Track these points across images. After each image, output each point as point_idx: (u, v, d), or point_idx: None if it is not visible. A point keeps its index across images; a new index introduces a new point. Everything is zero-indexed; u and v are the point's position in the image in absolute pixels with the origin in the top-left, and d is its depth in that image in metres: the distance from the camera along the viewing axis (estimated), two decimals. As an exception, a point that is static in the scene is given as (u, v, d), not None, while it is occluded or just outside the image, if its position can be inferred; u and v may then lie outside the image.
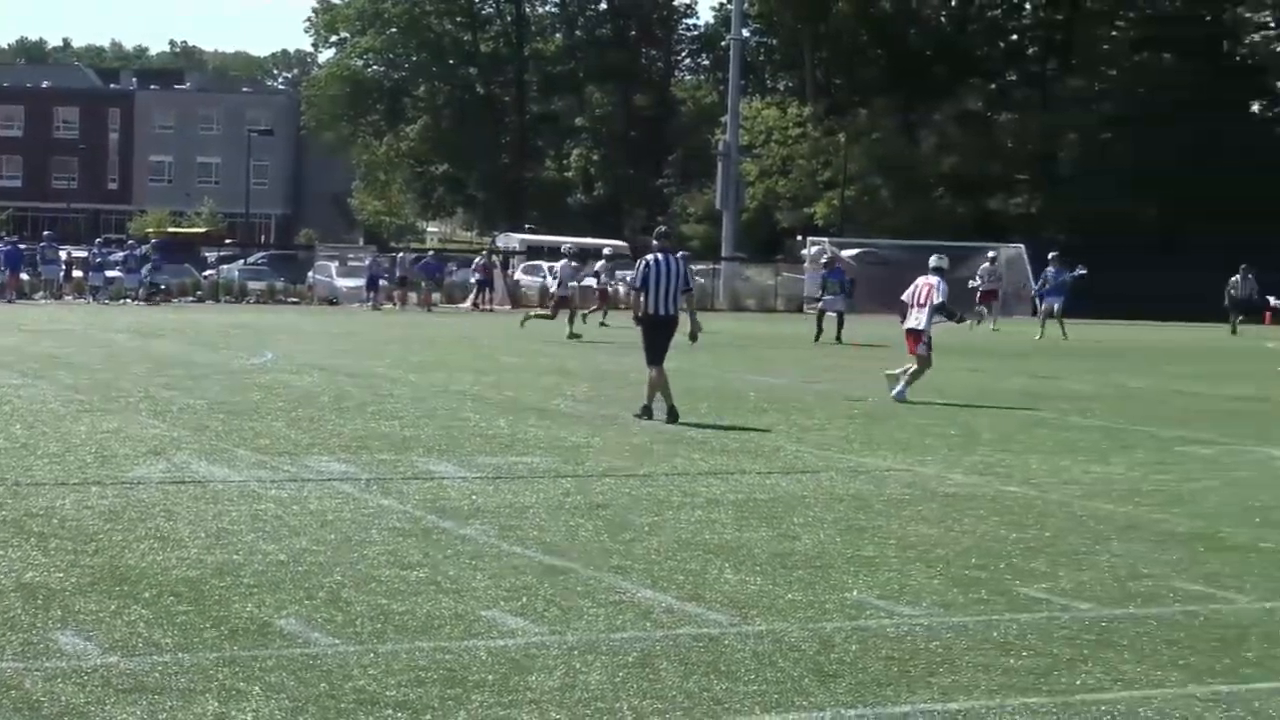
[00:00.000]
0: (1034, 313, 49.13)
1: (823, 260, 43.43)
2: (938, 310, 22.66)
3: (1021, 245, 66.64)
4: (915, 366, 22.69)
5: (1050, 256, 44.56)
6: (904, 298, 23.19)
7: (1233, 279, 49.84)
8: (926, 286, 22.77)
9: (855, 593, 9.61)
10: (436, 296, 57.92)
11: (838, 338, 37.75)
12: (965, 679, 7.75)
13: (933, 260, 23.52)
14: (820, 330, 38.47)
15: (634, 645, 8.18)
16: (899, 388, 22.46)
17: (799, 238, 73.22)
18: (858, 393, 23.78)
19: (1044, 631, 8.76)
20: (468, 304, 58.89)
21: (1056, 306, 43.25)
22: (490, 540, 10.92)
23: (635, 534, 11.33)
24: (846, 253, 64.24)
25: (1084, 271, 43.93)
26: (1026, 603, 9.49)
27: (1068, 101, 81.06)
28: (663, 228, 21.10)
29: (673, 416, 18.79)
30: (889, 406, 21.72)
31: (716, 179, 70.21)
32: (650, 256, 19.39)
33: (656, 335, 19.27)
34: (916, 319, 22.71)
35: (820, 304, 39.79)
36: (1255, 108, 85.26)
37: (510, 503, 12.54)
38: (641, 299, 19.29)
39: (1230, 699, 7.57)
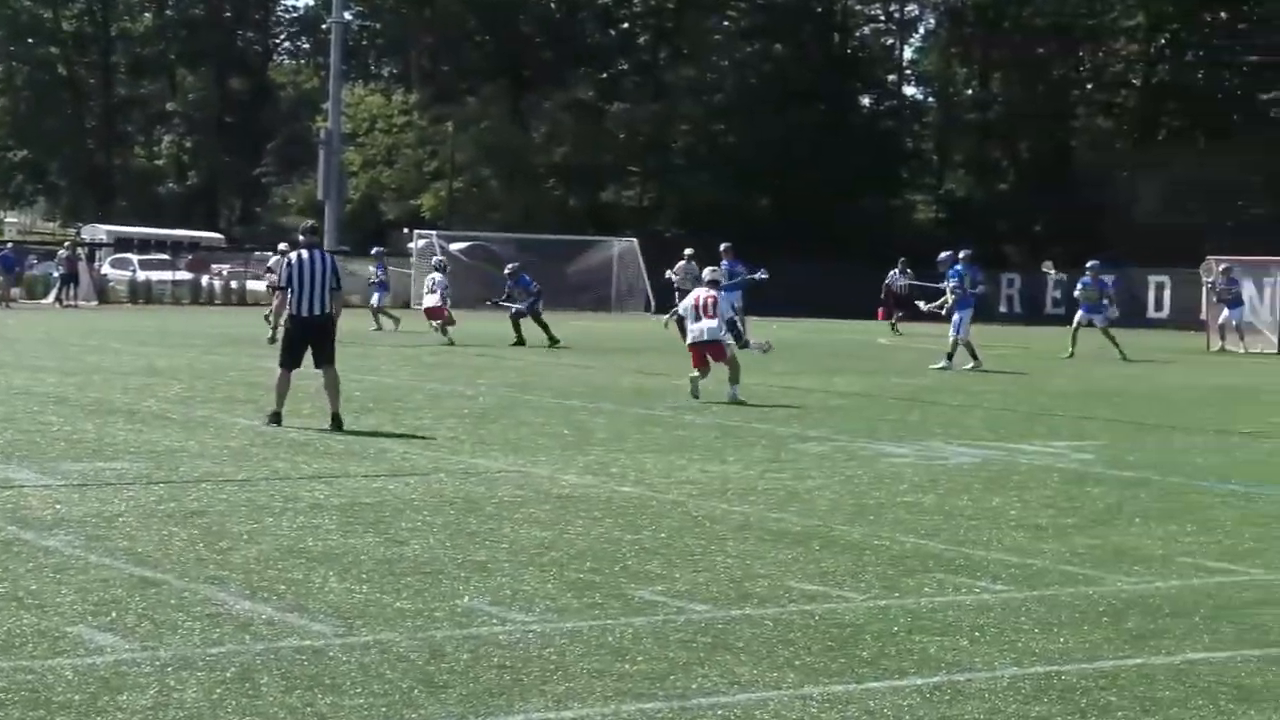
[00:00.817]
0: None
1: (508, 269, 42.85)
2: (728, 324, 24.12)
3: (634, 239, 67.64)
4: (728, 369, 23.71)
5: (723, 248, 44.26)
6: (681, 311, 25.04)
7: (891, 273, 50.23)
8: (710, 298, 24.14)
9: (466, 599, 9.61)
10: (16, 292, 56.23)
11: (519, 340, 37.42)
12: (580, 686, 7.81)
13: (707, 274, 25.42)
14: (520, 335, 37.75)
15: (232, 659, 8.04)
16: (729, 390, 23.40)
17: (405, 231, 73.00)
18: (469, 391, 23.87)
19: (660, 635, 8.88)
20: (51, 300, 57.32)
21: (736, 304, 43.29)
22: (76, 552, 10.63)
23: (233, 542, 11.15)
24: (454, 246, 64.35)
25: (765, 275, 44.20)
26: (642, 606, 9.61)
27: (680, 92, 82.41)
28: (310, 223, 20.75)
29: (336, 423, 18.35)
30: (500, 406, 21.84)
31: (318, 168, 69.55)
32: (294, 254, 19.02)
33: (302, 337, 18.84)
34: (710, 329, 23.92)
35: (514, 308, 39.44)
36: (866, 100, 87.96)
37: (98, 511, 12.23)
38: (288, 298, 18.88)
39: (845, 699, 7.77)
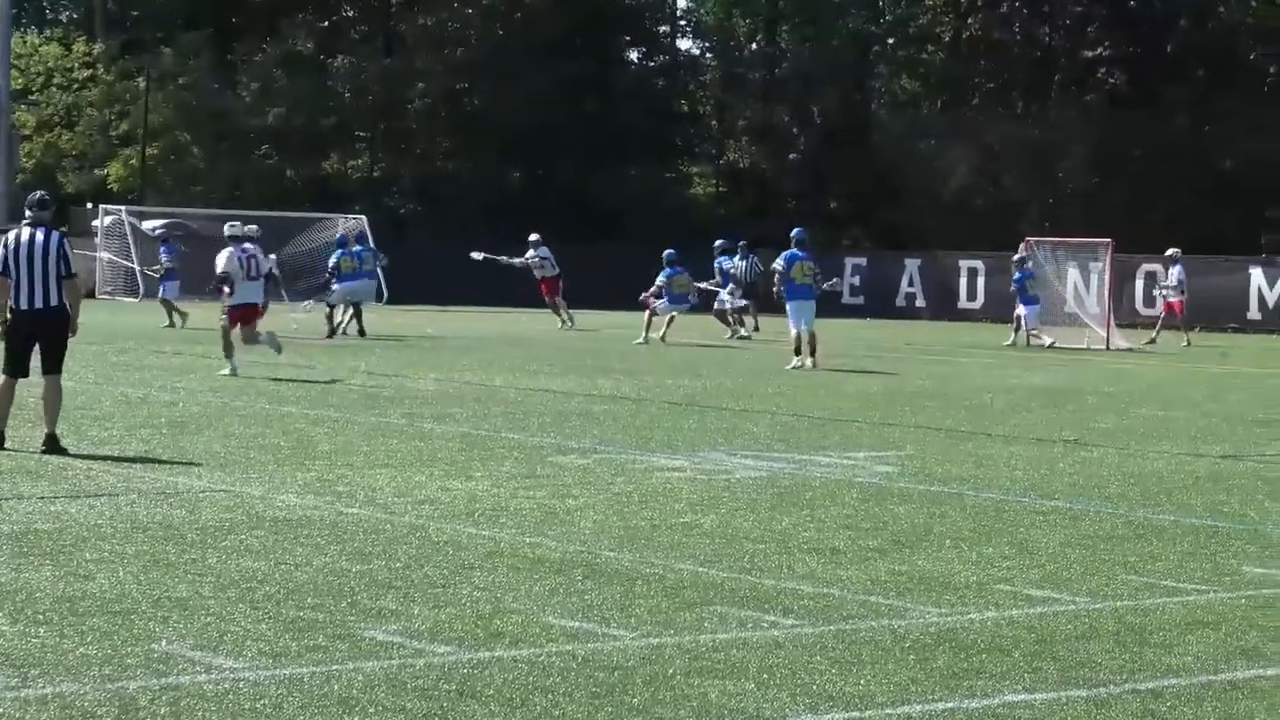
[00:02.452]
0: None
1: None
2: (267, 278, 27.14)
3: (363, 216, 67.20)
4: (227, 343, 26.41)
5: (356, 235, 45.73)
6: (230, 273, 26.63)
7: (735, 261, 49.41)
8: (248, 258, 26.55)
9: (164, 643, 9.51)
10: None
11: (358, 331, 40.18)
12: (301, 744, 7.77)
13: (232, 229, 27.36)
14: (343, 326, 40.52)
15: (-119, 720, 7.89)
16: (232, 361, 26.23)
17: (89, 205, 71.95)
18: (166, 396, 23.62)
19: (395, 682, 8.85)
20: None
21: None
22: None
23: (-119, 579, 10.94)
24: (148, 224, 63.56)
25: (385, 262, 45.39)
26: (373, 648, 9.57)
27: (415, 44, 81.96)
28: (41, 194, 18.76)
29: (52, 446, 17.52)
30: (204, 414, 21.63)
31: (-16, 132, 68.46)
32: (14, 233, 17.91)
33: (25, 335, 17.83)
34: (254, 294, 26.65)
35: (330, 296, 41.61)
36: (635, 55, 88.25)
37: None
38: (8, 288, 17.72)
39: (614, 753, 7.81)
